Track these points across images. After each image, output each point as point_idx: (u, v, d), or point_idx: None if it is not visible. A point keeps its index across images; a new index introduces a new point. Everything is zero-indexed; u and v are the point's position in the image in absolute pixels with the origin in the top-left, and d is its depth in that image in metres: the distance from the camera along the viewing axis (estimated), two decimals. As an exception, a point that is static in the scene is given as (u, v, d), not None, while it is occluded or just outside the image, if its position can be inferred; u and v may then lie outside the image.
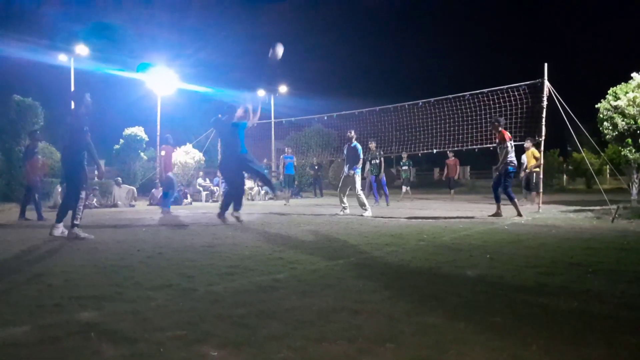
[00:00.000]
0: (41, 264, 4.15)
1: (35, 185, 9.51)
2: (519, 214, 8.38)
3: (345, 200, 9.75)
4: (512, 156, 8.57)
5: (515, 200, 8.67)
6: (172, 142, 12.03)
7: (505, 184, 8.61)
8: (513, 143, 8.70)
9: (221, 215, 7.92)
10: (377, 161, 12.92)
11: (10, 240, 5.97)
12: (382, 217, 8.77)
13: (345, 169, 9.78)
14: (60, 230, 5.99)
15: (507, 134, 8.72)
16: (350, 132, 9.95)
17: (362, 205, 9.34)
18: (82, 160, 6.05)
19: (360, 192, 9.55)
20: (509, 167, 8.49)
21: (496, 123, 8.93)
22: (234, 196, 8.07)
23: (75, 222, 5.92)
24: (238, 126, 7.97)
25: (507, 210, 8.76)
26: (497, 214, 8.54)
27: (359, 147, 9.75)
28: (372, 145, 13.06)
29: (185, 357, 1.92)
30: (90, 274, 3.62)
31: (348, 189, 9.73)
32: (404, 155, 15.72)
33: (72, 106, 6.31)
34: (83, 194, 6.08)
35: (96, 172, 6.16)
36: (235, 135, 7.91)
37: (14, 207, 12.38)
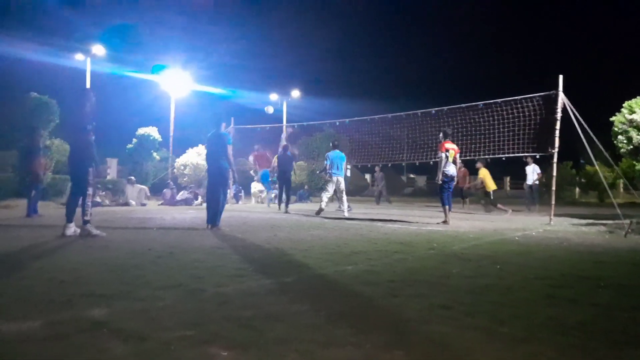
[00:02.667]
0: (52, 261, 4.21)
1: (40, 181, 9.67)
2: (445, 222, 8.88)
3: (344, 200, 10.98)
4: (446, 167, 9.05)
5: (446, 207, 9.13)
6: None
7: (441, 193, 9.28)
8: (449, 154, 9.08)
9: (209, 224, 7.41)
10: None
11: (22, 235, 6.05)
12: (391, 225, 8.75)
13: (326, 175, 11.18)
14: (72, 229, 6.05)
15: (444, 146, 9.12)
16: (282, 141, 10.88)
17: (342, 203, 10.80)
18: (87, 158, 6.13)
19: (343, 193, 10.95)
20: (442, 177, 9.07)
21: (441, 134, 9.48)
22: (211, 208, 7.50)
23: (86, 218, 5.99)
24: (223, 137, 7.56)
25: (517, 220, 8.70)
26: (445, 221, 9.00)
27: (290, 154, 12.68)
28: None
29: (193, 357, 1.93)
30: (101, 272, 3.66)
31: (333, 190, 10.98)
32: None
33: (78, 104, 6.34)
34: (90, 191, 6.16)
35: (90, 170, 6.16)
36: (219, 146, 7.49)
37: (25, 204, 12.53)
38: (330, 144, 11.75)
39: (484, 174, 13.35)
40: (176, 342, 2.09)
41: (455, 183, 9.51)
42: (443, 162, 9.02)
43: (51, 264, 3.97)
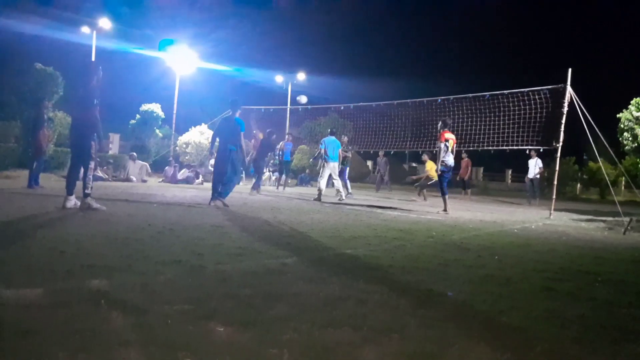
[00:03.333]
0: (54, 232, 4.23)
1: (43, 153, 9.69)
2: (445, 210, 8.87)
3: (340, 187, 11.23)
4: (445, 157, 9.03)
5: (446, 197, 9.09)
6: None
7: (440, 183, 9.28)
8: (448, 144, 9.05)
9: (212, 200, 7.79)
10: (347, 154, 13.52)
11: (24, 206, 6.07)
12: (391, 212, 8.76)
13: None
14: (72, 202, 6.05)
15: (444, 136, 9.08)
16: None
17: (338, 189, 10.96)
18: (91, 132, 6.12)
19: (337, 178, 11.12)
20: (441, 167, 9.05)
21: (440, 123, 9.44)
22: (218, 183, 7.89)
23: (87, 191, 5.99)
24: (237, 123, 7.95)
25: (517, 213, 8.70)
26: (445, 209, 8.99)
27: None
28: (345, 139, 13.77)
29: (192, 332, 1.95)
30: (102, 245, 3.67)
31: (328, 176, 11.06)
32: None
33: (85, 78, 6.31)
34: (92, 164, 6.16)
35: (93, 144, 6.16)
36: (233, 130, 7.87)
37: (27, 175, 12.55)
38: (329, 130, 11.93)
39: (431, 166, 13.22)
40: (176, 316, 2.10)
41: (451, 174, 9.55)
42: (442, 152, 9.03)
43: (52, 235, 3.99)
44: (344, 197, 10.95)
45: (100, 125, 6.17)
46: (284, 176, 15.40)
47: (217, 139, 8.26)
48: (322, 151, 11.07)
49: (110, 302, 2.23)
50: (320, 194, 10.63)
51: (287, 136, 16.53)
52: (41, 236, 3.91)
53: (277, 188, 14.65)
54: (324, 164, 10.98)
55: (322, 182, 10.90)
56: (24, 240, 3.70)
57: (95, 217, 5.35)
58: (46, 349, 1.66)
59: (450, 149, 9.04)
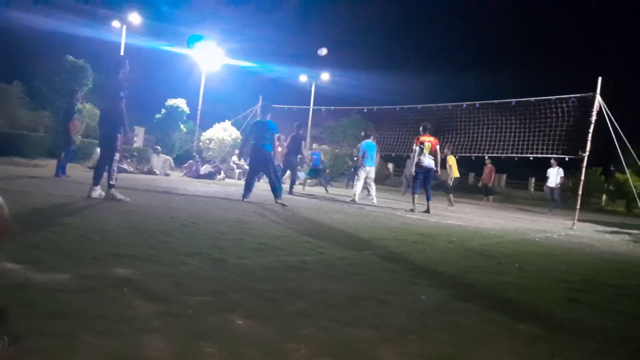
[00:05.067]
0: (81, 220, 4.33)
1: (66, 142, 9.94)
2: (412, 209, 9.33)
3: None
4: (420, 158, 9.41)
5: (415, 196, 9.62)
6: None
7: (413, 182, 9.84)
8: (424, 146, 9.46)
9: (244, 196, 8.22)
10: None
11: (53, 194, 6.23)
12: (411, 215, 8.72)
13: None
14: (97, 192, 6.16)
15: (420, 139, 9.53)
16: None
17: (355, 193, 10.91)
18: (117, 124, 6.24)
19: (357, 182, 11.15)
20: (415, 168, 9.50)
21: (420, 128, 9.86)
22: (271, 185, 8.32)
23: (112, 182, 6.10)
24: (271, 125, 8.31)
25: (539, 222, 8.57)
26: (427, 210, 9.40)
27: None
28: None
29: (213, 322, 1.98)
30: (127, 234, 3.75)
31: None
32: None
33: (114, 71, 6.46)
34: (117, 156, 6.29)
35: (119, 136, 6.31)
36: (266, 132, 8.22)
37: (55, 164, 12.86)
38: (362, 134, 11.89)
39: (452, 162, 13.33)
40: (198, 307, 2.14)
41: (435, 173, 9.82)
42: (416, 154, 9.44)
43: (79, 223, 4.08)
44: (375, 201, 10.97)
45: (125, 117, 6.30)
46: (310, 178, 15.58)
47: (251, 140, 8.58)
48: (360, 158, 11.18)
49: (135, 290, 2.28)
50: (355, 196, 10.73)
51: (314, 146, 16.68)
52: (69, 223, 4.01)
53: (303, 188, 14.83)
54: (361, 168, 11.08)
55: (359, 186, 10.97)
56: (53, 226, 3.80)
57: (120, 207, 5.46)
58: (73, 331, 1.71)
59: (428, 151, 9.44)
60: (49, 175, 9.57)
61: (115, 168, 6.25)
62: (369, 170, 10.98)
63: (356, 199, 10.61)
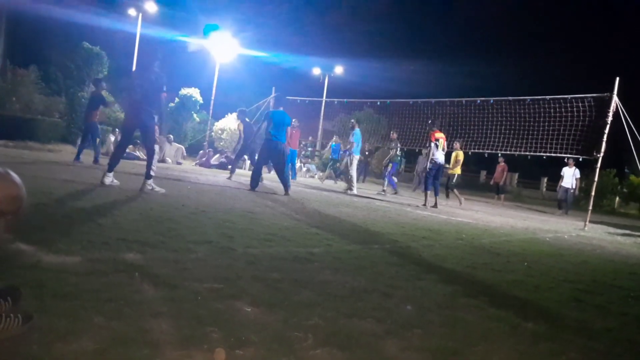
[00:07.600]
0: (92, 205, 4.38)
1: (96, 130, 10.06)
2: (424, 204, 9.53)
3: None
4: (435, 155, 9.60)
5: (428, 192, 9.71)
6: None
7: (427, 179, 9.90)
8: (438, 143, 9.64)
9: (253, 187, 8.35)
10: (394, 151, 13.79)
11: (66, 179, 6.31)
12: (420, 211, 8.70)
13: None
14: (110, 179, 6.14)
15: (434, 135, 9.64)
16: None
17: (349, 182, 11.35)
18: (156, 116, 6.26)
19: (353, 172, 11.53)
20: (430, 164, 9.67)
21: (430, 122, 10.28)
22: (279, 176, 8.52)
23: (151, 173, 6.09)
24: (286, 117, 8.46)
25: (550, 222, 8.50)
26: (434, 205, 9.63)
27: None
28: (394, 135, 14.08)
29: (220, 309, 2.00)
30: (137, 221, 3.79)
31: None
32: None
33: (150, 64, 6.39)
34: (157, 148, 6.30)
35: (156, 127, 6.36)
36: (282, 123, 8.37)
37: (70, 149, 13.01)
38: (353, 121, 12.45)
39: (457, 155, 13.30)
40: (205, 293, 2.16)
41: (441, 170, 10.08)
42: (433, 150, 9.57)
43: (90, 208, 4.14)
44: (354, 192, 11.18)
45: (164, 110, 6.36)
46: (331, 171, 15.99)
47: (265, 128, 8.71)
48: (353, 145, 11.63)
49: (143, 274, 2.31)
50: (352, 187, 11.15)
51: (335, 138, 16.86)
52: (80, 207, 4.06)
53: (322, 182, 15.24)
54: (352, 158, 11.54)
55: (354, 175, 11.47)
56: (64, 210, 3.85)
57: (131, 194, 5.52)
58: (82, 313, 1.74)
59: (440, 147, 9.59)
60: (63, 160, 9.69)
61: (155, 160, 6.22)
62: (358, 159, 11.67)
63: (355, 191, 10.99)
